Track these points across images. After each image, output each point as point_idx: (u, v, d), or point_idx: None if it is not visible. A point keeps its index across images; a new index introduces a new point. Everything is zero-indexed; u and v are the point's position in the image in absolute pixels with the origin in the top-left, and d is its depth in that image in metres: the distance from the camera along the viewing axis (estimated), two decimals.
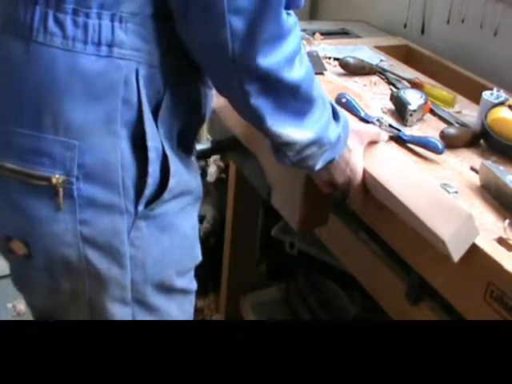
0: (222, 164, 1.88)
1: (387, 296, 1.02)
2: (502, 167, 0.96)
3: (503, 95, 1.13)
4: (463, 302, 0.84)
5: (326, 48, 1.50)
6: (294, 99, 0.76)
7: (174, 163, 0.77)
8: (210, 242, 1.91)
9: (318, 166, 0.86)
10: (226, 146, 1.31)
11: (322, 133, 0.81)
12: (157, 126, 0.74)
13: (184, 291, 0.89)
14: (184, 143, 0.82)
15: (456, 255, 0.80)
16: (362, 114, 1.11)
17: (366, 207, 0.97)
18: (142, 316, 0.83)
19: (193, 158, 0.88)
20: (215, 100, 0.99)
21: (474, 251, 0.80)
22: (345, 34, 1.72)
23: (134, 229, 0.75)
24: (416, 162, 1.01)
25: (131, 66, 0.71)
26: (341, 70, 1.36)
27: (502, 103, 1.10)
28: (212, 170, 1.85)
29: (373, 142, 0.93)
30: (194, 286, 0.92)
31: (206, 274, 1.98)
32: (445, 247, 0.79)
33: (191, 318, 0.97)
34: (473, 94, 1.27)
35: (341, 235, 1.11)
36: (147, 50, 0.72)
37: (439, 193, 0.85)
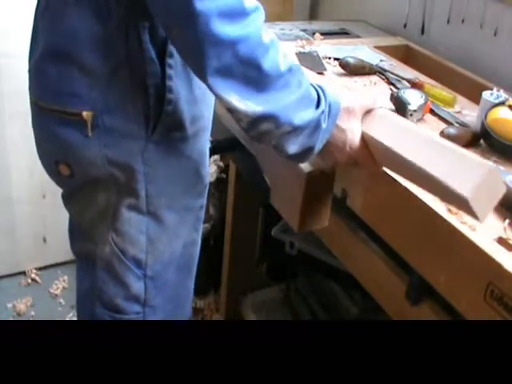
0: (221, 164, 1.88)
1: (387, 296, 1.02)
2: (502, 167, 0.96)
3: (503, 95, 1.13)
4: (463, 302, 0.84)
5: (326, 48, 1.51)
6: (237, 61, 0.75)
7: (172, 95, 0.89)
8: (210, 242, 1.91)
9: (292, 150, 0.85)
10: (225, 146, 1.31)
11: (277, 112, 0.80)
12: (162, 63, 0.87)
13: (191, 212, 1.03)
14: (193, 77, 0.91)
15: (482, 215, 0.73)
16: None
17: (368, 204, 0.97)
18: (153, 229, 0.98)
19: (202, 92, 0.95)
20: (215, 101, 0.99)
21: (474, 251, 0.80)
22: (345, 34, 1.72)
23: (146, 151, 0.91)
24: None
25: (129, 21, 0.84)
26: (341, 70, 1.36)
27: (502, 103, 1.10)
28: (212, 170, 1.85)
29: (370, 110, 0.90)
30: (200, 213, 1.07)
31: (206, 273, 1.98)
32: (469, 207, 0.72)
33: (196, 246, 1.10)
34: (473, 93, 1.27)
35: (341, 235, 1.11)
36: (139, 6, 0.81)
37: (454, 147, 0.78)
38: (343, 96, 0.90)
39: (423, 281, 0.91)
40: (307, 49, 1.48)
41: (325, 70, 1.36)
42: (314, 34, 1.61)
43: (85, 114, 0.87)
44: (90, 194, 0.96)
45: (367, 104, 0.91)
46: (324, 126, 0.85)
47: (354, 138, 0.88)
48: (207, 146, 1.04)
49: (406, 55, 1.60)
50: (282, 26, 1.70)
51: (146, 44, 0.85)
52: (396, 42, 1.66)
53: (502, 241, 0.82)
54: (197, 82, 0.91)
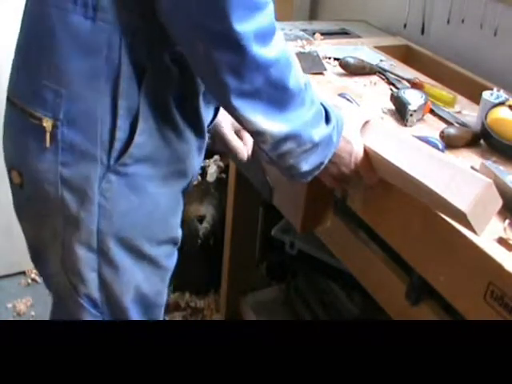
0: (221, 164, 1.88)
1: (387, 296, 1.02)
2: (502, 167, 0.96)
3: (503, 95, 1.13)
4: (463, 302, 0.84)
5: (326, 48, 1.50)
6: (266, 84, 0.74)
7: (147, 124, 0.81)
8: (210, 242, 1.91)
9: (305, 168, 0.84)
10: None
11: (300, 130, 0.80)
12: (139, 88, 0.79)
13: (154, 262, 0.91)
14: (174, 113, 0.84)
15: (479, 229, 0.76)
16: None
17: (368, 205, 0.97)
18: (106, 270, 0.87)
19: (189, 137, 0.87)
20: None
21: (474, 251, 0.80)
22: (345, 34, 1.72)
23: (106, 180, 0.81)
24: None
25: (114, 29, 0.76)
26: (341, 70, 1.36)
27: (502, 103, 1.10)
28: (212, 170, 1.86)
29: (366, 122, 0.91)
30: (167, 262, 0.95)
31: (206, 273, 1.98)
32: (466, 221, 0.74)
33: (161, 296, 0.98)
34: (473, 94, 1.27)
35: (341, 235, 1.11)
36: (129, 17, 0.76)
37: (452, 163, 0.80)
38: (342, 108, 0.90)
39: (423, 281, 0.91)
40: (307, 49, 1.47)
41: (325, 70, 1.36)
42: (314, 34, 1.61)
43: (45, 120, 0.79)
44: (39, 214, 0.87)
45: (364, 114, 0.91)
46: (335, 140, 0.85)
47: (359, 149, 0.89)
48: (182, 195, 0.93)
49: (406, 55, 1.60)
50: (282, 25, 1.70)
51: (124, 59, 0.77)
52: (396, 41, 1.66)
53: (502, 241, 0.82)
54: (180, 120, 0.84)
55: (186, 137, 0.86)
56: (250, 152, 1.06)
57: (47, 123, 0.79)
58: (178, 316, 1.92)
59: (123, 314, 0.92)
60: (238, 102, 0.74)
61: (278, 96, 0.76)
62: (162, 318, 1.01)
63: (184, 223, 0.99)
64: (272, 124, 0.77)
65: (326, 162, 0.86)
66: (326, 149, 0.85)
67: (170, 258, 0.95)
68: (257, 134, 0.79)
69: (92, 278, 0.87)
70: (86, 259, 0.86)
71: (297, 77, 0.78)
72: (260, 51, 0.71)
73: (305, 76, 0.81)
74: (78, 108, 0.78)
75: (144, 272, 0.90)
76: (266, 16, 0.71)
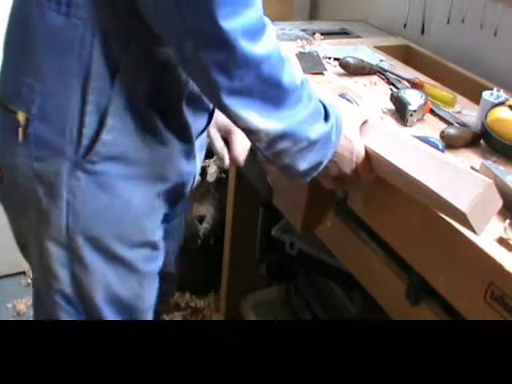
0: None
1: (387, 296, 1.02)
2: (502, 167, 0.96)
3: (503, 95, 1.13)
4: (463, 302, 0.84)
5: (326, 48, 1.50)
6: (258, 81, 0.73)
7: (119, 122, 0.80)
8: (210, 242, 1.91)
9: (303, 167, 0.83)
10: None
11: (296, 128, 0.79)
12: (112, 85, 0.78)
13: (128, 264, 0.89)
14: (151, 113, 0.82)
15: (479, 229, 0.76)
16: None
17: (368, 203, 0.97)
18: (77, 267, 0.86)
19: (171, 140, 0.85)
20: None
21: (474, 251, 0.80)
22: (345, 34, 1.72)
23: (74, 177, 0.81)
24: None
25: (87, 26, 0.76)
26: (341, 70, 1.36)
27: (501, 103, 1.10)
28: (212, 170, 1.85)
29: (365, 121, 0.91)
30: (146, 267, 0.92)
31: (206, 274, 1.98)
32: (466, 220, 0.75)
33: (142, 301, 0.94)
34: (473, 94, 1.27)
35: (341, 235, 1.11)
36: (103, 15, 0.76)
37: (452, 163, 0.80)
38: (341, 106, 0.90)
39: (423, 281, 0.91)
40: (307, 49, 1.48)
41: (325, 69, 1.36)
42: (314, 34, 1.61)
43: (19, 114, 0.79)
44: (18, 208, 0.88)
45: (363, 114, 0.91)
46: (334, 139, 0.84)
47: (360, 147, 0.88)
48: (163, 199, 0.90)
49: (406, 55, 1.60)
50: (282, 26, 1.70)
51: (96, 55, 0.76)
52: (396, 42, 1.66)
53: (502, 241, 0.82)
54: (159, 121, 0.83)
55: (166, 139, 0.84)
56: (240, 159, 1.04)
57: (21, 117, 0.79)
58: (178, 316, 1.92)
59: (97, 313, 0.90)
60: (229, 100, 0.74)
61: (272, 93, 0.76)
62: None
63: (184, 223, 0.99)
64: (267, 122, 0.76)
65: (326, 161, 0.85)
66: (325, 147, 0.84)
67: (149, 263, 0.92)
68: (251, 133, 0.78)
69: (63, 274, 0.87)
70: (57, 255, 0.85)
71: (291, 73, 0.77)
72: (249, 48, 0.70)
73: (301, 74, 0.80)
74: (50, 103, 0.79)
75: (117, 273, 0.88)
76: (254, 12, 0.71)
